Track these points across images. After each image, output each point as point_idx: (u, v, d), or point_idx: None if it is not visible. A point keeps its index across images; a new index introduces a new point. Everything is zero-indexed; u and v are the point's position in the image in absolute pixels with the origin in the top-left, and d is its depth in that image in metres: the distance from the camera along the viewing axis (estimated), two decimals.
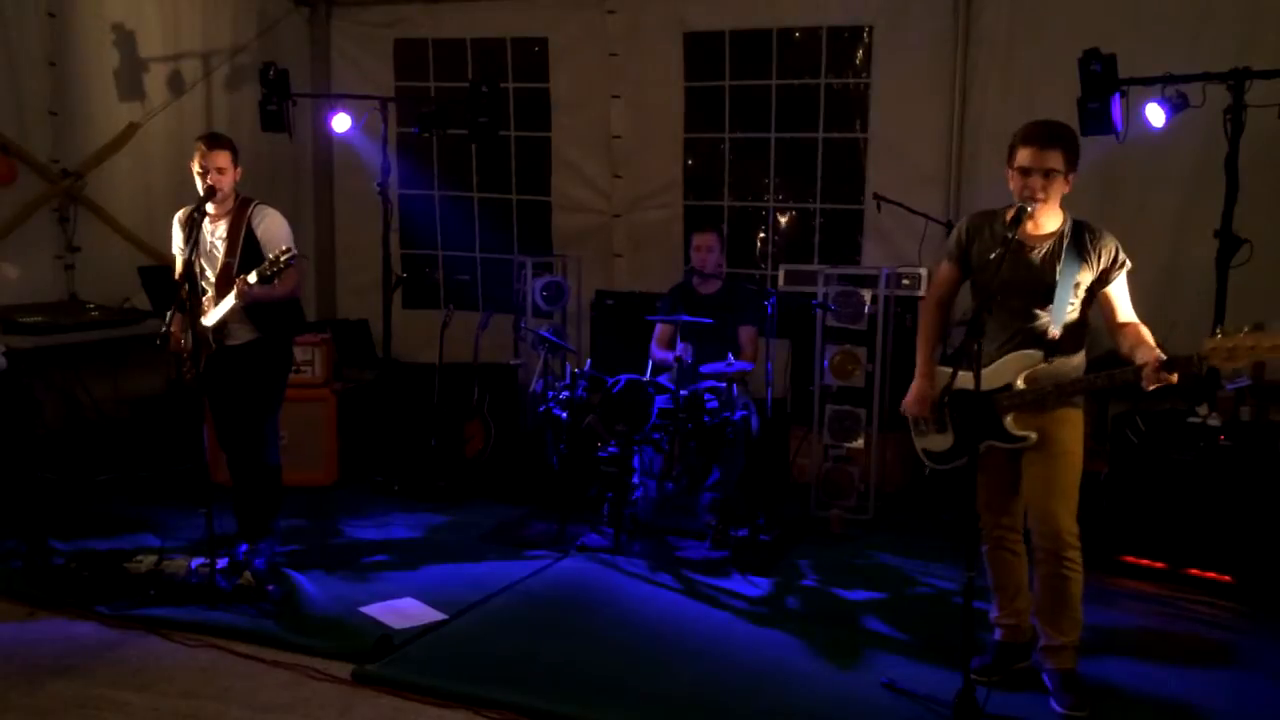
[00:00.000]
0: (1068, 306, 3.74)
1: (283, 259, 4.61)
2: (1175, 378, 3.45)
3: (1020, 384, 3.76)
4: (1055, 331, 3.75)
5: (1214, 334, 3.43)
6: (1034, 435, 3.75)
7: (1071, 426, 3.80)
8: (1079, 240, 3.74)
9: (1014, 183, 3.72)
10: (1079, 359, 3.83)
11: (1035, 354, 3.76)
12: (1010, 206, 3.78)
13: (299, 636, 4.32)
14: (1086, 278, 3.75)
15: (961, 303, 4.13)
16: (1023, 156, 3.68)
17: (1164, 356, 3.48)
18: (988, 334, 3.69)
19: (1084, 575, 3.82)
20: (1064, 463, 3.77)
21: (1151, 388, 3.49)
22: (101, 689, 3.90)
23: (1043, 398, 3.73)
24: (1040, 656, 3.94)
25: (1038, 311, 3.77)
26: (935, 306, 4.09)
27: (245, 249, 4.88)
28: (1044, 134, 3.67)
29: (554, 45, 7.83)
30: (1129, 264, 3.77)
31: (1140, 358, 3.55)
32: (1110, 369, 3.70)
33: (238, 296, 4.73)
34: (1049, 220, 3.78)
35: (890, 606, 4.83)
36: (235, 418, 5.09)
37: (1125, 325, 3.75)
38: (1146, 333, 3.68)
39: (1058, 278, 3.72)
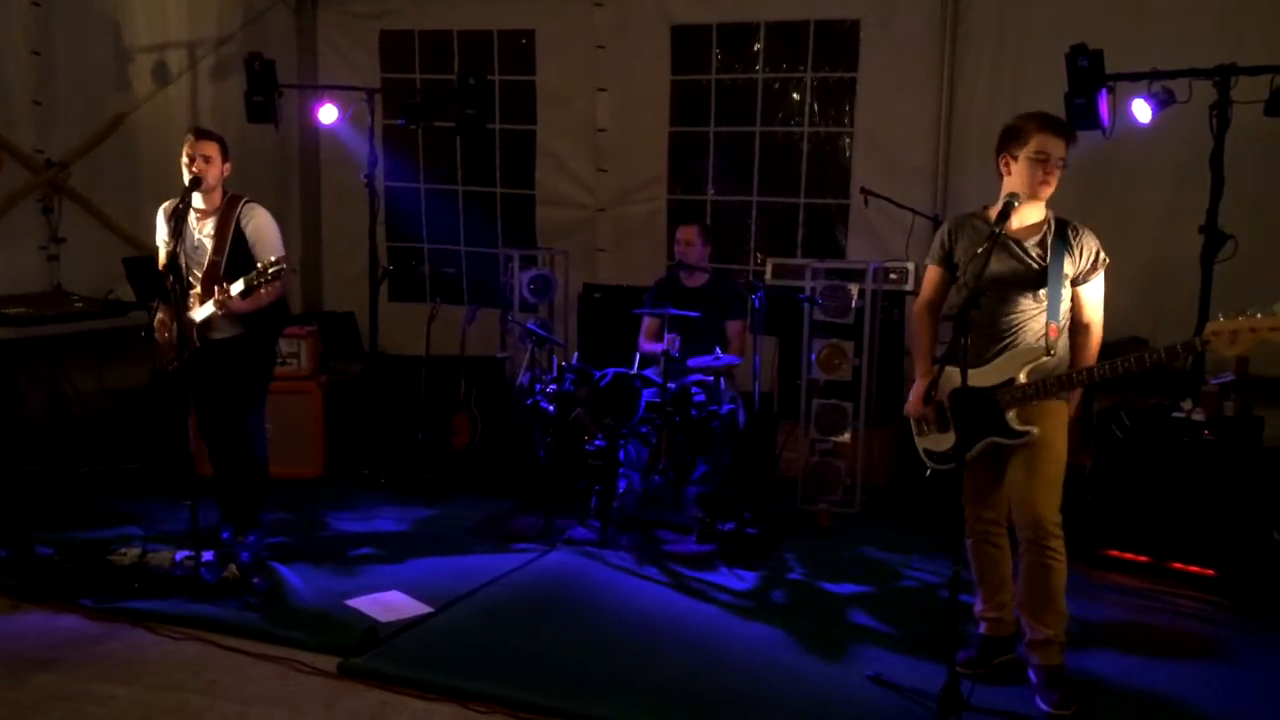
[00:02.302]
0: (1062, 298, 3.76)
1: (270, 271, 4.58)
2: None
3: (1023, 378, 3.76)
4: (1056, 327, 3.77)
5: (1216, 318, 3.44)
6: (1036, 430, 3.74)
7: (1056, 419, 3.81)
8: (1063, 234, 3.78)
9: (1019, 168, 3.74)
10: (1064, 342, 3.85)
11: (1038, 348, 3.77)
12: (990, 205, 3.81)
13: (285, 629, 4.30)
14: (1070, 271, 3.78)
15: (950, 299, 4.14)
16: (1041, 142, 3.70)
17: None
18: (979, 329, 3.70)
19: (1068, 568, 3.83)
20: (1047, 454, 3.78)
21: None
22: (86, 682, 3.88)
23: (1045, 392, 3.74)
24: (1026, 651, 3.94)
25: (1031, 303, 3.78)
26: (926, 310, 4.10)
27: (233, 247, 4.86)
28: (1062, 125, 3.77)
29: (541, 38, 7.82)
30: (1108, 261, 3.80)
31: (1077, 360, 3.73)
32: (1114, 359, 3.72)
33: (217, 307, 4.71)
34: (1031, 214, 3.80)
35: (876, 600, 4.85)
36: (219, 411, 5.07)
37: (1086, 325, 3.83)
38: (1095, 344, 3.81)
39: (1049, 267, 3.74)
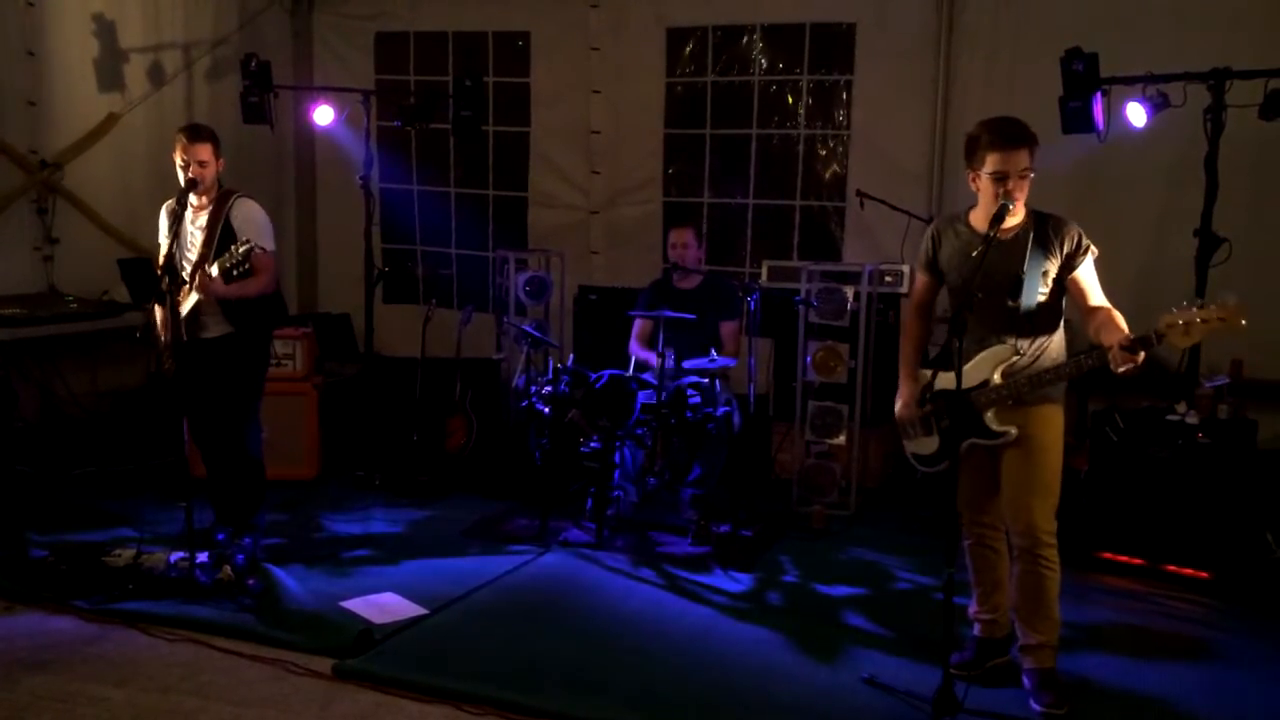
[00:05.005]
0: (1037, 294, 3.74)
1: (240, 251, 4.58)
2: (1141, 357, 3.43)
3: (997, 379, 3.77)
4: (1031, 327, 3.75)
5: (1170, 311, 3.43)
6: (1014, 430, 3.75)
7: (1051, 424, 3.81)
8: (1042, 231, 3.75)
9: (984, 186, 3.71)
10: (1057, 340, 3.84)
11: (1008, 349, 3.78)
12: (972, 207, 3.81)
13: (279, 631, 4.30)
14: (1052, 267, 3.74)
15: (942, 302, 4.14)
16: (995, 161, 3.66)
17: (1130, 336, 3.45)
18: (967, 331, 3.70)
19: (1062, 573, 3.82)
20: (1042, 460, 3.78)
21: (1121, 369, 3.46)
22: (80, 684, 3.87)
23: (1019, 392, 3.74)
24: (1019, 654, 3.95)
25: (1009, 304, 3.77)
26: (915, 314, 4.11)
27: (222, 241, 4.85)
28: (1011, 135, 3.66)
29: (536, 40, 7.83)
30: (1094, 250, 3.76)
31: (1106, 340, 3.55)
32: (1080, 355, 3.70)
33: (198, 290, 4.72)
34: (1012, 214, 3.78)
35: (871, 602, 4.85)
36: (213, 412, 5.06)
37: (1096, 310, 3.73)
38: (1118, 316, 3.64)
39: (1025, 269, 3.72)
